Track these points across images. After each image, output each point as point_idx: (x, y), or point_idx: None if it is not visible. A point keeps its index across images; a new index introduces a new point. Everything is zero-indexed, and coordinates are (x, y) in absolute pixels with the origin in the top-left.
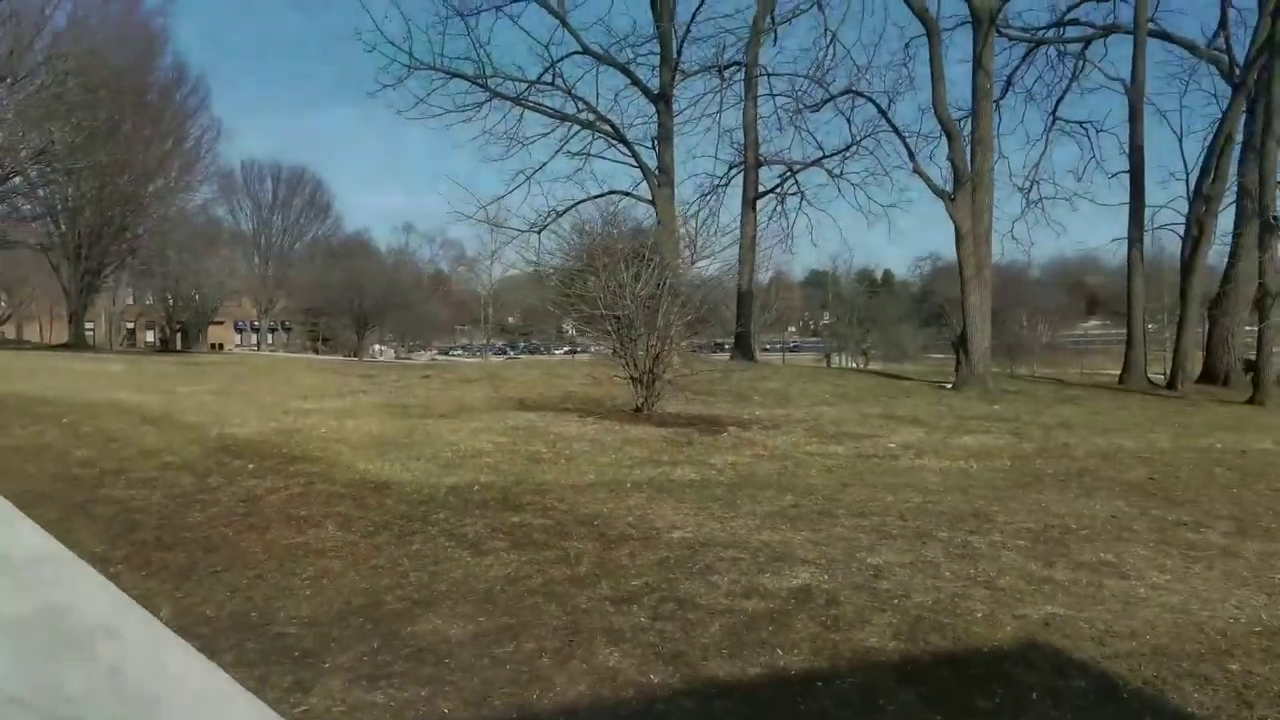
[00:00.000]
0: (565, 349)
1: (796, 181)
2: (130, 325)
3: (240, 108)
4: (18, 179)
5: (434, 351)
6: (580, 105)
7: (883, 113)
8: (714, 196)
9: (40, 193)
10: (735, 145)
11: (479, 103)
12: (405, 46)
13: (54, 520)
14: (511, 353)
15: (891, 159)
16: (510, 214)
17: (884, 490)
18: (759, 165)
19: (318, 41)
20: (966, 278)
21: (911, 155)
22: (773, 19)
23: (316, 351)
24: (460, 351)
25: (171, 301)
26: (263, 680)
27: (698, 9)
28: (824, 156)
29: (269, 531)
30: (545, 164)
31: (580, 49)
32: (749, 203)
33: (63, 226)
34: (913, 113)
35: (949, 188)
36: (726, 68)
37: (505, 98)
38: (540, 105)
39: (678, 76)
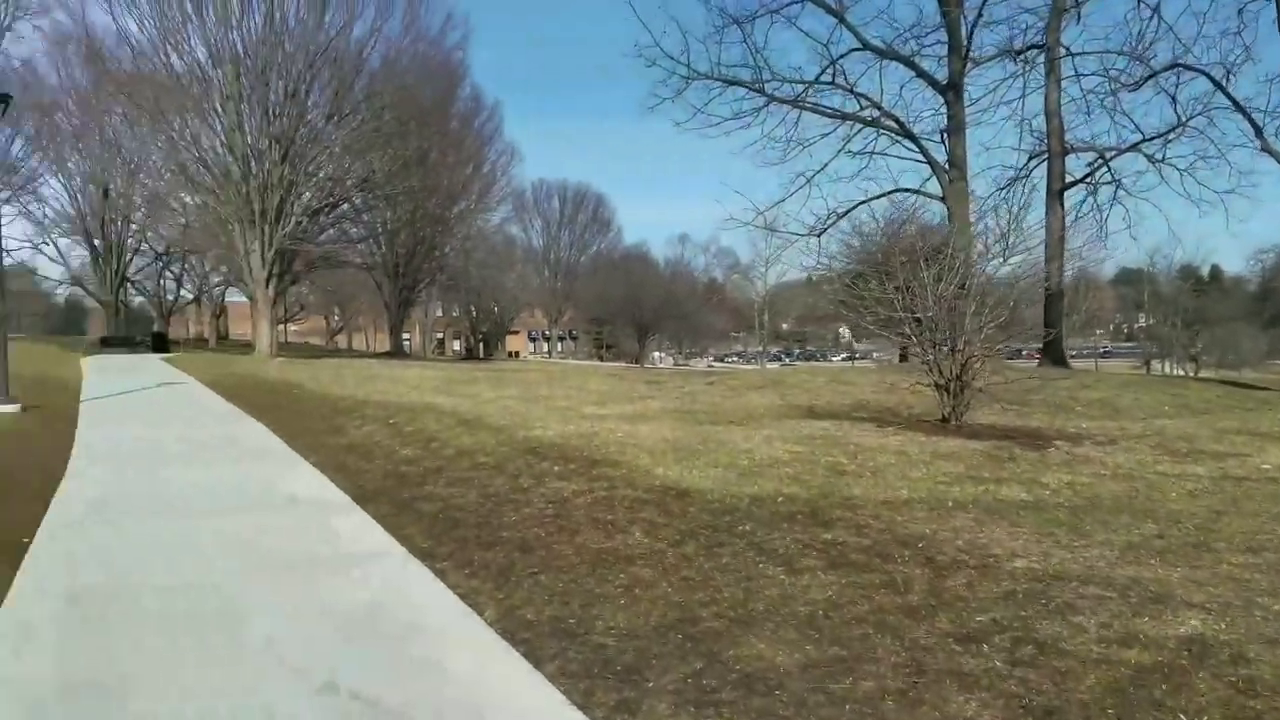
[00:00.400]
0: (843, 355)
1: (1110, 169)
2: (440, 335)
3: (527, 129)
4: (345, 206)
5: (710, 358)
6: (863, 102)
7: (1219, 86)
8: (1012, 190)
9: (364, 217)
10: (1036, 133)
11: (757, 108)
12: (683, 59)
13: (386, 515)
14: (787, 359)
15: (1229, 138)
16: (789, 219)
17: (1272, 520)
18: (1065, 153)
19: (596, 61)
20: None
21: (1259, 132)
22: None
23: (600, 359)
24: (735, 358)
25: (474, 313)
26: (587, 695)
27: None
28: (1143, 140)
29: (579, 535)
30: (826, 164)
31: (860, 45)
32: (1054, 194)
33: (383, 247)
34: (1251, 86)
35: None
36: (1024, 51)
37: (783, 101)
38: (819, 106)
39: (968, 65)
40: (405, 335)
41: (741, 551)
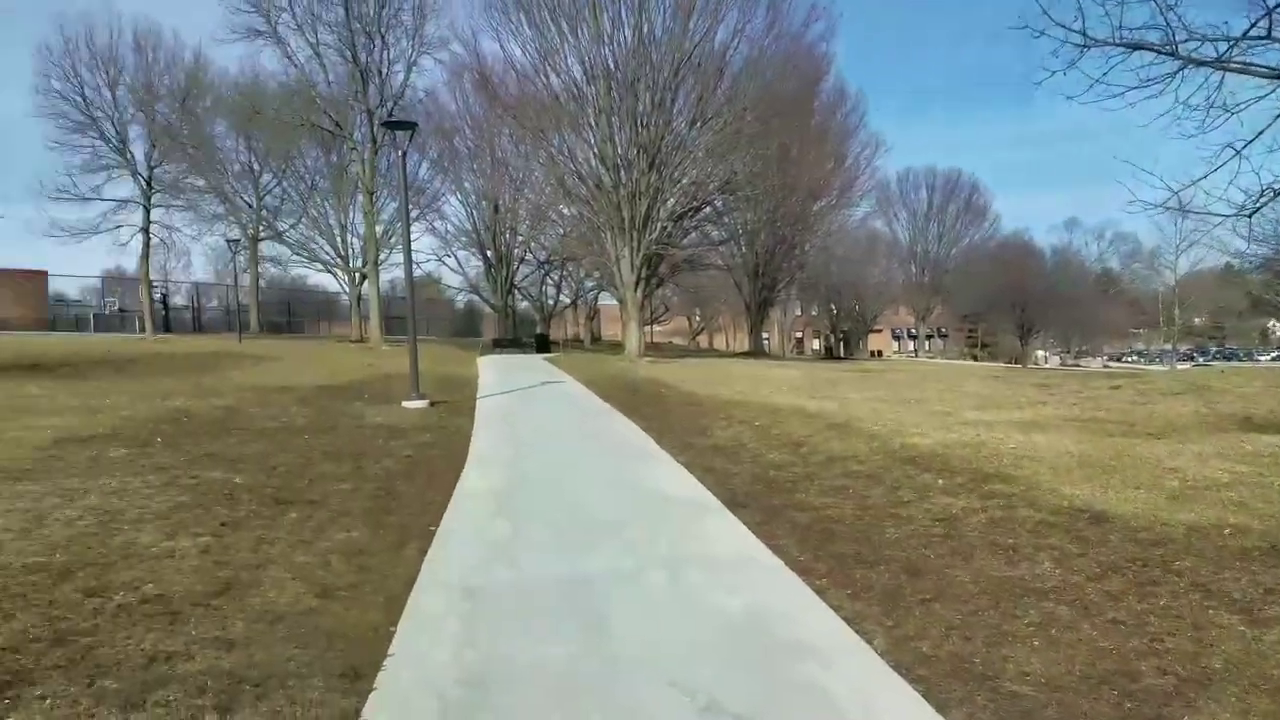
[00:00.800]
0: (1273, 354)
1: None
2: (799, 334)
3: (893, 117)
4: (707, 209)
5: (1104, 357)
6: None
7: None
8: None
9: (725, 220)
10: None
11: (1169, 73)
12: (1076, 26)
13: (759, 523)
14: (1200, 359)
15: None
16: (1209, 197)
17: None
18: None
19: (966, 39)
20: None
21: None
22: None
23: (974, 358)
24: (1135, 357)
25: (835, 311)
26: None
27: None
28: None
29: (974, 559)
30: (1262, 132)
31: None
32: None
33: (743, 248)
34: None
35: None
36: None
37: (1202, 63)
38: (1250, 65)
39: None
40: (764, 334)
41: (1183, 593)
